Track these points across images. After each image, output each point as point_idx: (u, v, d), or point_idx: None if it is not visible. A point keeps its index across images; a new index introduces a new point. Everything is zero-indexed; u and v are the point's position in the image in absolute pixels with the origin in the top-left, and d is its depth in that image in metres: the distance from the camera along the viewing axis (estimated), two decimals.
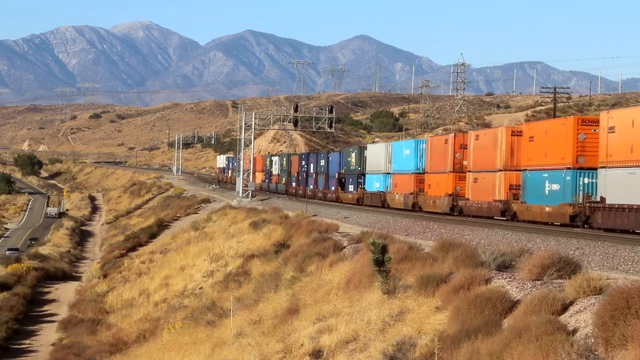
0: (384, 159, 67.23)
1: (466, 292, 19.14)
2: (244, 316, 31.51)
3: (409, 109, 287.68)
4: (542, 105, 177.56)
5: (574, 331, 15.13)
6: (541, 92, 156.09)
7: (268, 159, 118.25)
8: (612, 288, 15.35)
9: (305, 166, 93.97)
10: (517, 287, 18.98)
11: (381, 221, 51.48)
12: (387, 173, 66.35)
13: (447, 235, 38.01)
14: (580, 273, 18.54)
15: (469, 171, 52.14)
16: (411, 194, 60.31)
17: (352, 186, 75.52)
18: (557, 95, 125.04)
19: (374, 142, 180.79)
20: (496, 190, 47.87)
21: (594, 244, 30.40)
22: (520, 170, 46.21)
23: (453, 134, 56.86)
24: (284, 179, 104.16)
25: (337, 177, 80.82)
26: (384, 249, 22.76)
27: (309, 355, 21.36)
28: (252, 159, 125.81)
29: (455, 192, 53.58)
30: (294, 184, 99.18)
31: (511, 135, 47.63)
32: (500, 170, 47.78)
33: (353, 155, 76.28)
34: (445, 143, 55.92)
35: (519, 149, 46.95)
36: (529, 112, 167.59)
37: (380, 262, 22.62)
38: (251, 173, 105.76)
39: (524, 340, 14.27)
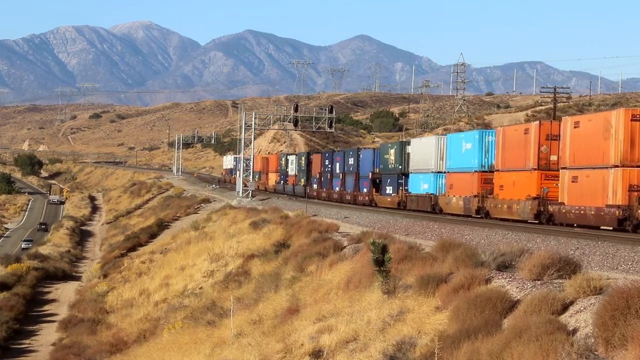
0: (434, 155, 57.84)
1: (466, 292, 19.15)
2: (244, 316, 31.51)
3: (409, 109, 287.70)
4: (542, 105, 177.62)
5: (574, 331, 15.14)
6: (541, 92, 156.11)
7: (283, 158, 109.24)
8: (612, 288, 15.36)
9: (330, 165, 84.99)
10: (517, 287, 18.99)
11: (381, 221, 51.48)
12: (439, 172, 57.26)
13: (447, 235, 38.01)
14: (580, 273, 18.54)
15: (564, 168, 41.66)
16: (475, 196, 50.50)
17: (391, 188, 65.90)
18: (557, 95, 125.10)
19: (373, 142, 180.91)
20: (609, 193, 37.49)
21: (594, 244, 30.39)
22: None
23: (537, 122, 46.21)
24: (302, 180, 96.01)
25: (370, 177, 71.26)
26: (384, 249, 22.76)
27: (309, 355, 21.36)
28: (265, 159, 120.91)
29: (542, 194, 43.54)
30: (315, 186, 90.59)
31: (631, 120, 37.18)
32: (616, 166, 37.32)
33: (392, 151, 66.62)
34: (526, 133, 45.79)
35: None
36: (529, 112, 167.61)
37: (380, 262, 22.62)
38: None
39: (524, 340, 14.28)
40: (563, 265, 19.54)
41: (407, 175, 63.29)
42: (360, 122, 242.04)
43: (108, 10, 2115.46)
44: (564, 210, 40.92)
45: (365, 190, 72.93)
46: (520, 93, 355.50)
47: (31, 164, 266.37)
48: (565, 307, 16.47)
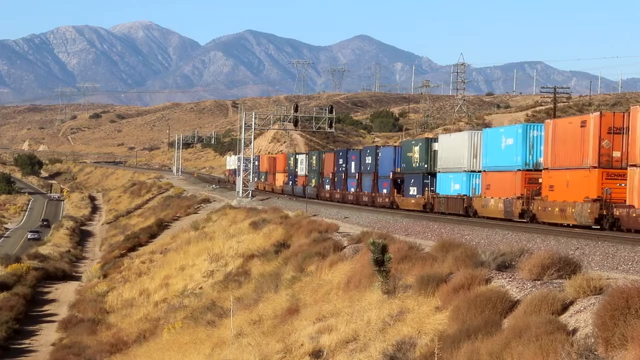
0: (467, 153, 53.23)
1: (466, 292, 19.14)
2: (244, 316, 31.50)
3: (409, 109, 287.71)
4: (542, 105, 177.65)
5: (574, 331, 15.13)
6: (541, 92, 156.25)
7: (292, 158, 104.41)
8: (612, 288, 15.34)
9: (344, 165, 79.70)
10: (517, 287, 18.99)
11: (381, 221, 51.47)
12: (473, 171, 52.81)
13: (447, 235, 38.00)
14: (580, 273, 18.54)
15: (634, 165, 35.92)
16: (518, 198, 45.33)
17: (415, 188, 61.08)
18: (557, 95, 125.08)
19: (373, 142, 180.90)
20: None
21: (594, 244, 30.39)
22: None
23: (598, 113, 40.61)
24: (313, 180, 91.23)
25: (391, 177, 66.31)
26: (384, 249, 22.75)
27: (309, 355, 21.35)
28: (272, 158, 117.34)
29: (605, 196, 37.90)
30: (327, 187, 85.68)
31: None
32: None
33: (416, 149, 61.64)
34: (583, 126, 40.21)
35: None
36: (529, 112, 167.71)
37: (380, 262, 22.62)
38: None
39: (524, 340, 14.27)
40: (563, 265, 19.53)
41: (434, 175, 59.01)
42: (360, 122, 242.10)
43: (108, 10, 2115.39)
44: (634, 215, 35.30)
45: (385, 191, 68.10)
46: (520, 93, 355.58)
47: (31, 164, 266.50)
48: (565, 307, 16.47)
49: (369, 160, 72.71)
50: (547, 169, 43.79)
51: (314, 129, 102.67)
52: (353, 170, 77.27)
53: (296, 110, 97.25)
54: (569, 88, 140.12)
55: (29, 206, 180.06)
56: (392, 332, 19.39)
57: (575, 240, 32.22)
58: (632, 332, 13.07)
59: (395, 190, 65.51)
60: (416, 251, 26.27)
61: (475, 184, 52.37)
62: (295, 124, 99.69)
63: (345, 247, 35.33)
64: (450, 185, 55.46)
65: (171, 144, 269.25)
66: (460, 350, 15.59)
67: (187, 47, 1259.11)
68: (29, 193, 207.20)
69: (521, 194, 45.45)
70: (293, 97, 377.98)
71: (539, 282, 19.03)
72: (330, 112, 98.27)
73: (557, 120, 45.99)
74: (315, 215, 59.77)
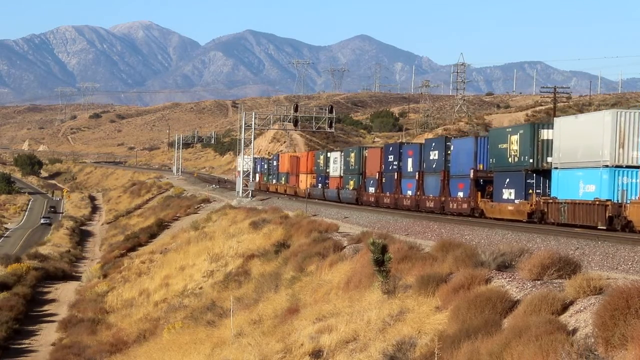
0: (609, 140, 38.94)
1: (466, 292, 19.14)
2: (244, 316, 31.51)
3: (409, 109, 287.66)
4: (542, 105, 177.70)
5: (574, 331, 15.13)
6: (541, 92, 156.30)
7: (322, 156, 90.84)
8: (612, 288, 15.36)
9: (396, 163, 65.64)
10: (517, 287, 18.99)
11: (381, 221, 51.46)
12: (620, 166, 38.75)
13: (447, 235, 37.98)
14: (580, 273, 18.56)
15: None
16: None
17: (513, 191, 47.60)
18: (557, 95, 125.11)
19: (373, 142, 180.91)
20: None
21: (594, 244, 30.40)
22: None
23: None
24: (351, 182, 77.92)
25: (471, 176, 52.66)
26: (384, 249, 22.76)
27: (309, 355, 21.35)
28: (294, 158, 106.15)
29: None
30: (372, 190, 71.28)
31: None
32: None
33: (514, 138, 47.77)
34: None
35: None
36: (529, 112, 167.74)
37: (380, 262, 22.62)
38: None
39: (524, 340, 14.27)
40: (563, 265, 19.54)
41: (541, 173, 46.22)
42: (360, 122, 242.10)
43: (108, 10, 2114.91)
44: None
45: (461, 194, 54.42)
46: (520, 93, 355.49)
47: (31, 164, 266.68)
48: (565, 307, 16.47)
49: (434, 155, 58.75)
50: None
51: (314, 129, 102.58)
52: (410, 169, 63.09)
53: (296, 110, 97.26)
54: (569, 88, 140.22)
55: (29, 206, 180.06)
56: (392, 332, 19.39)
57: (575, 240, 32.23)
58: (632, 332, 13.07)
59: (479, 194, 52.39)
60: (416, 251, 26.27)
61: (627, 184, 38.62)
62: (295, 124, 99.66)
63: (345, 247, 35.33)
64: (577, 187, 41.41)
65: (171, 144, 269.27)
66: (460, 350, 15.59)
67: (187, 47, 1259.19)
68: (29, 193, 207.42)
69: None
70: (293, 97, 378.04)
71: (539, 282, 19.04)
72: (330, 112, 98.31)
73: None
74: (315, 215, 59.78)
